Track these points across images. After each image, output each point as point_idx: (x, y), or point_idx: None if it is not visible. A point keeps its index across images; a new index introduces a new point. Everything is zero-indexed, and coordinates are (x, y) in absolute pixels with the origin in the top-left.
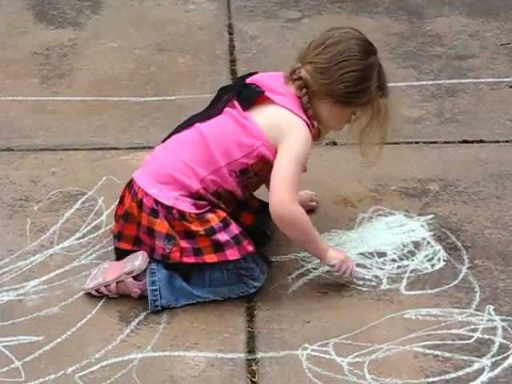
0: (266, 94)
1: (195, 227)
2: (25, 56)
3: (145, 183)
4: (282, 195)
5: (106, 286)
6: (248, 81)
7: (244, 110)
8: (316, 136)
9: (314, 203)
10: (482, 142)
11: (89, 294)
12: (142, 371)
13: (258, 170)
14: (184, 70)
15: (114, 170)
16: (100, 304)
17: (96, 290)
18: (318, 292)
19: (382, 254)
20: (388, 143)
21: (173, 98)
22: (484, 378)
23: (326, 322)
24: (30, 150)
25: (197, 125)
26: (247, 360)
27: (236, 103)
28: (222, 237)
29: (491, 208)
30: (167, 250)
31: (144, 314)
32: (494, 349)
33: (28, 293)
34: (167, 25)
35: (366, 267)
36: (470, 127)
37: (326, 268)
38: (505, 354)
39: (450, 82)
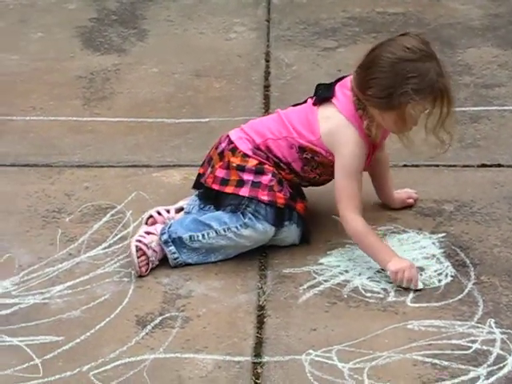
0: (333, 100)
1: (233, 159)
2: (70, 80)
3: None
4: (341, 213)
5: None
6: (338, 83)
7: (314, 104)
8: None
9: (411, 200)
10: (500, 166)
11: (109, 300)
12: (152, 371)
13: (314, 155)
14: (219, 95)
15: (143, 186)
16: (119, 308)
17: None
18: (326, 303)
19: None
20: (407, 165)
21: (206, 120)
22: None
23: (332, 330)
24: (66, 166)
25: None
26: (253, 363)
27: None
28: (247, 177)
29: (502, 228)
30: (206, 175)
31: (160, 318)
32: (491, 359)
33: (53, 297)
34: (207, 52)
35: (375, 281)
36: (490, 152)
37: (337, 281)
38: (501, 365)
39: (475, 109)
